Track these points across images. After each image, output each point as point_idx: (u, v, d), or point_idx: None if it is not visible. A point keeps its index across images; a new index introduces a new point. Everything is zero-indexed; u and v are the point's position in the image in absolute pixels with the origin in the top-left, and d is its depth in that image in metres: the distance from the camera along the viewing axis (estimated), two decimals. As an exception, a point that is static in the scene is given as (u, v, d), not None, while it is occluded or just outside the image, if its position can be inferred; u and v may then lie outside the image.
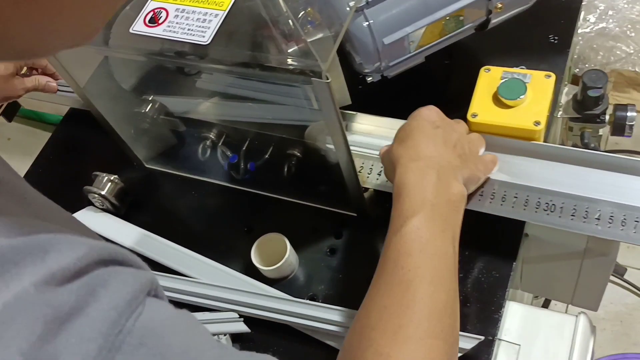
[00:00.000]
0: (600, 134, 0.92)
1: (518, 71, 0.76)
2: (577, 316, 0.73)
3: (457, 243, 0.59)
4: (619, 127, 0.90)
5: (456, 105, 0.77)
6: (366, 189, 0.77)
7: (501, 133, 0.73)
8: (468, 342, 0.65)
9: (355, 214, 0.79)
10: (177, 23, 0.65)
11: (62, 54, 0.75)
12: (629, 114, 0.89)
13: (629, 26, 1.34)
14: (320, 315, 0.70)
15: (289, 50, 0.63)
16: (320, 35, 0.67)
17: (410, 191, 0.57)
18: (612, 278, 1.49)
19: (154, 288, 0.37)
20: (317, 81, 0.57)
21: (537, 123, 0.71)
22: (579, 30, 1.33)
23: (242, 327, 0.72)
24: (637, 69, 1.41)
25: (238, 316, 0.73)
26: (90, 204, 0.87)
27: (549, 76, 0.74)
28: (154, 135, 0.87)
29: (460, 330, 0.66)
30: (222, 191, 0.86)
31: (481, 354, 0.67)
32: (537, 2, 0.89)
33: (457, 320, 0.55)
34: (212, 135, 0.84)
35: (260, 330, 0.73)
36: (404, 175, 0.59)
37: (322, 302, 0.73)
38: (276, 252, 0.76)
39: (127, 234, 0.83)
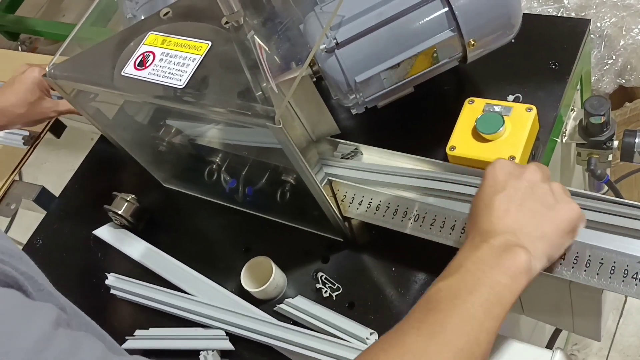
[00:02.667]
0: (609, 159, 0.90)
1: (500, 103, 0.76)
2: (553, 351, 0.73)
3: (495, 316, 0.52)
4: (628, 154, 0.88)
5: (448, 134, 0.78)
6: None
7: (479, 166, 0.74)
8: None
9: (341, 240, 0.82)
10: (160, 67, 0.71)
11: (85, 101, 0.83)
12: (637, 140, 0.87)
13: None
14: (298, 340, 0.74)
15: (258, 94, 0.68)
16: (296, 74, 0.71)
17: (467, 268, 0.54)
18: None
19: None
20: (271, 126, 0.61)
21: (512, 158, 0.72)
22: (621, 42, 1.27)
23: (227, 345, 0.78)
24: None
25: (225, 334, 0.79)
26: (112, 220, 0.95)
27: (530, 109, 0.74)
28: (169, 158, 0.94)
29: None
30: (226, 212, 0.91)
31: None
32: (542, 26, 0.89)
33: None
34: (217, 160, 0.89)
35: (246, 347, 0.78)
36: (464, 253, 0.56)
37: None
38: (265, 273, 0.80)
39: (139, 250, 0.90)
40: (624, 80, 1.34)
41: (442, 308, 0.51)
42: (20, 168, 1.09)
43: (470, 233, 0.58)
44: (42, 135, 1.12)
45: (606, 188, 1.01)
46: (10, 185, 1.05)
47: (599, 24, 1.31)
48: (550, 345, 1.02)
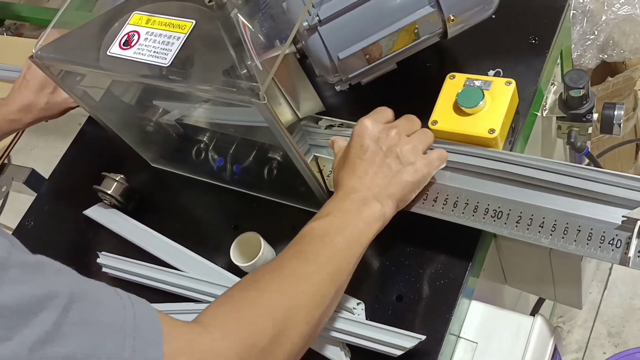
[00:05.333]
0: (589, 132, 0.92)
1: (481, 78, 0.77)
2: (534, 317, 0.76)
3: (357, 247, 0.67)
4: (607, 126, 0.90)
5: (430, 109, 0.80)
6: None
7: (460, 140, 0.75)
8: (409, 340, 0.69)
9: (328, 215, 0.84)
10: (146, 46, 0.72)
11: (72, 83, 0.84)
12: (616, 112, 0.89)
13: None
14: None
15: (243, 72, 0.69)
16: (279, 52, 0.72)
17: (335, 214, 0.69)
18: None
19: None
20: (256, 102, 0.63)
21: (491, 131, 0.73)
22: (603, 17, 1.29)
23: (218, 318, 0.80)
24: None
25: (216, 308, 0.80)
26: (102, 201, 0.96)
27: (509, 83, 0.76)
28: (156, 138, 0.95)
29: (411, 330, 0.71)
30: (214, 190, 0.93)
31: (431, 352, 0.71)
32: (522, 1, 0.90)
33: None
34: (204, 139, 0.90)
35: (236, 321, 0.80)
36: (333, 203, 0.70)
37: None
38: (254, 249, 0.82)
39: (129, 228, 0.92)
40: (606, 56, 1.36)
41: (315, 243, 0.66)
42: (9, 152, 1.10)
43: (337, 185, 0.72)
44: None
45: (587, 160, 1.04)
46: (0, 169, 1.06)
47: (581, 0, 1.33)
48: (533, 314, 1.05)
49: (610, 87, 1.38)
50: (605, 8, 1.30)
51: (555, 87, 0.92)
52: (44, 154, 2.49)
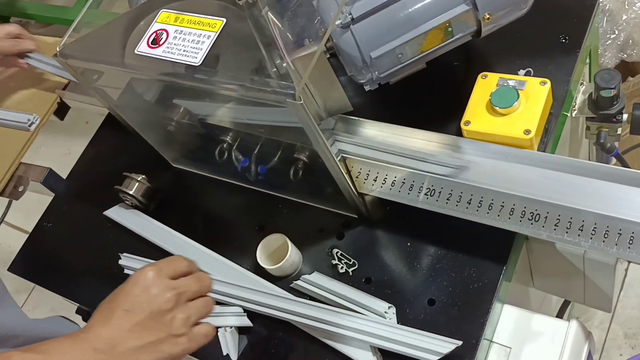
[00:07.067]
0: (618, 132, 0.90)
1: (514, 77, 0.76)
2: (569, 322, 0.74)
3: None
4: (638, 127, 0.88)
5: (460, 109, 0.78)
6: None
7: (494, 141, 0.74)
8: (445, 346, 0.67)
9: (356, 216, 0.82)
10: (175, 44, 0.70)
11: (96, 75, 0.83)
12: (647, 112, 0.87)
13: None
14: (315, 315, 0.75)
15: (273, 70, 0.68)
16: (313, 49, 0.71)
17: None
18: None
19: None
20: (291, 102, 0.61)
21: (527, 131, 0.72)
22: (623, 17, 1.27)
23: (245, 322, 0.79)
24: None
25: (242, 311, 0.79)
26: (123, 201, 0.95)
27: (544, 83, 0.74)
28: (178, 137, 0.94)
29: (445, 334, 0.70)
30: (238, 191, 0.91)
31: (465, 357, 0.70)
32: (550, 0, 0.89)
33: None
34: (228, 139, 0.89)
35: (263, 324, 0.79)
36: (62, 341, 0.60)
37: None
38: (280, 251, 0.81)
39: (151, 229, 0.90)
40: (625, 55, 1.34)
41: None
42: (26, 151, 1.08)
43: (87, 324, 0.61)
44: (45, 118, 1.11)
45: (614, 161, 1.02)
46: (17, 168, 1.05)
47: (601, -1, 1.31)
48: (559, 316, 1.04)
49: (631, 87, 1.36)
50: (626, 7, 1.28)
51: (584, 87, 0.90)
52: (51, 152, 2.48)
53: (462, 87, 0.84)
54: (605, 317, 1.60)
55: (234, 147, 0.89)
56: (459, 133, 0.78)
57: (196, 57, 0.68)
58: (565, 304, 1.05)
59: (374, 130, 0.81)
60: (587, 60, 0.95)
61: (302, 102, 0.61)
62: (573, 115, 0.89)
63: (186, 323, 0.62)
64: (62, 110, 1.14)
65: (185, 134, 0.94)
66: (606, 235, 0.65)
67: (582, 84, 0.90)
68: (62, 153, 2.46)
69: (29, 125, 1.03)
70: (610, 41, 1.32)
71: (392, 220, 0.81)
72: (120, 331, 0.60)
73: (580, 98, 0.90)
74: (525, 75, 0.82)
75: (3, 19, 2.42)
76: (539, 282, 0.93)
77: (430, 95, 0.87)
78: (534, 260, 0.86)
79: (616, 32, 1.32)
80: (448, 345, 0.67)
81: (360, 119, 0.83)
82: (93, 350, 0.58)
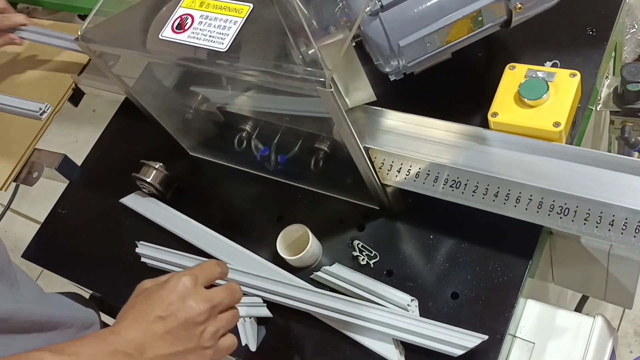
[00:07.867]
0: (643, 128, 0.89)
1: (543, 69, 0.75)
2: (594, 317, 0.73)
3: None
4: (663, 122, 0.87)
5: (485, 100, 0.77)
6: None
7: (521, 133, 0.73)
8: (471, 340, 0.66)
9: (377, 208, 0.81)
10: (200, 29, 0.69)
11: (112, 60, 0.81)
12: (673, 108, 0.86)
13: None
14: (336, 306, 0.74)
15: (299, 58, 0.66)
16: (340, 37, 0.69)
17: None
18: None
19: None
20: (321, 90, 0.60)
21: (557, 124, 0.71)
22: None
23: (265, 312, 0.78)
24: None
25: (262, 301, 0.78)
26: (139, 189, 0.94)
27: (574, 75, 0.73)
28: (196, 125, 0.93)
29: (469, 328, 0.69)
30: (256, 180, 0.90)
31: (489, 352, 0.69)
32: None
33: None
34: (247, 128, 0.88)
35: (282, 315, 0.78)
36: (93, 343, 0.58)
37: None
38: (300, 241, 0.80)
39: (168, 218, 0.89)
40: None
41: None
42: (40, 137, 1.07)
43: (116, 321, 0.60)
44: (60, 104, 1.10)
45: (637, 155, 1.01)
46: (31, 154, 1.03)
47: (620, -7, 1.30)
48: (578, 312, 1.03)
49: (649, 82, 1.35)
50: (647, 1, 1.27)
51: (609, 80, 0.89)
52: (57, 140, 2.47)
53: (487, 79, 0.83)
54: (615, 314, 1.59)
55: (254, 136, 0.88)
56: (483, 124, 0.77)
57: (222, 43, 0.66)
58: (584, 299, 1.04)
59: (397, 121, 0.80)
60: (612, 54, 0.94)
61: (332, 89, 0.60)
62: (598, 109, 0.88)
63: (215, 336, 0.62)
64: (76, 96, 1.13)
65: (203, 121, 0.92)
66: (637, 231, 0.64)
67: (607, 77, 0.89)
68: (69, 141, 2.45)
69: (40, 114, 1.01)
70: (629, 35, 1.30)
71: (413, 212, 0.80)
72: (151, 337, 0.58)
73: (605, 92, 0.89)
74: (552, 66, 0.81)
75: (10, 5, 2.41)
76: (559, 277, 0.92)
77: (454, 86, 0.86)
78: (556, 255, 0.85)
79: (636, 26, 1.30)
80: (474, 339, 0.66)
81: (384, 109, 0.82)
82: (123, 354, 0.57)
